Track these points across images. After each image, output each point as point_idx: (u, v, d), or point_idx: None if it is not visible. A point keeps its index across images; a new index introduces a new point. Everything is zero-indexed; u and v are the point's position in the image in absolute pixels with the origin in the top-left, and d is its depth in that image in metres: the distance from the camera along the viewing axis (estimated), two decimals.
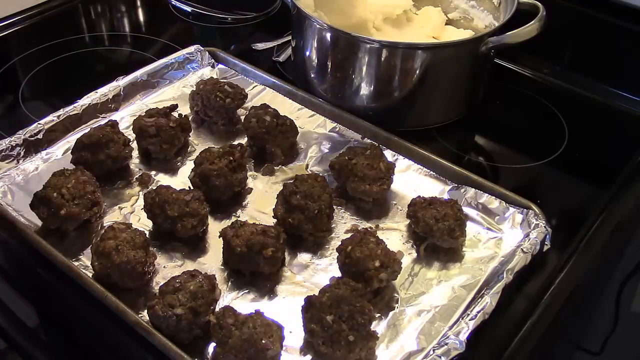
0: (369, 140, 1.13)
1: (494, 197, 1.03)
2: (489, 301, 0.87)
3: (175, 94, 1.25)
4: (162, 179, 1.08)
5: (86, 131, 1.07)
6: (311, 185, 0.98)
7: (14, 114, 1.23)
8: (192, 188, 1.01)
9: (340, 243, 0.93)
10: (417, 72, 1.14)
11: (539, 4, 1.16)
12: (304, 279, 0.94)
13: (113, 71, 1.24)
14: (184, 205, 0.95)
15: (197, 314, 0.82)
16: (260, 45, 1.43)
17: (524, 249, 0.94)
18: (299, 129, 1.14)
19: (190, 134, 1.15)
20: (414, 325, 0.87)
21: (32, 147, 1.09)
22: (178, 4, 1.55)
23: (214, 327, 0.81)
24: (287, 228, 0.96)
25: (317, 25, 1.18)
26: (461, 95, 1.25)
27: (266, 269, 0.91)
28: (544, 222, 0.98)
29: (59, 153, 1.10)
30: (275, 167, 1.11)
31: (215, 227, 0.99)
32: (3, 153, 1.06)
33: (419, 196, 1.01)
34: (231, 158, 1.02)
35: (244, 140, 1.14)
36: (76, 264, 0.91)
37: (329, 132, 1.17)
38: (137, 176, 1.07)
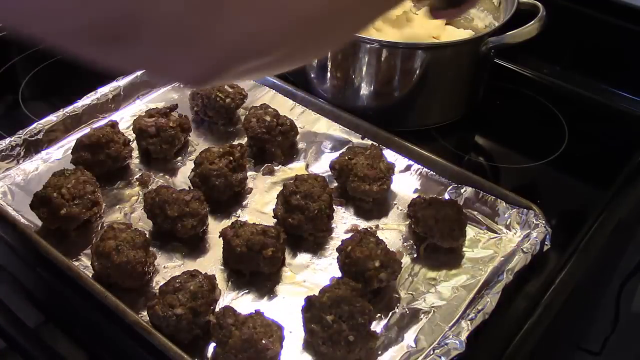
0: (369, 140, 1.14)
1: (493, 197, 1.03)
2: (489, 301, 0.86)
3: (175, 94, 1.24)
4: (162, 179, 1.08)
5: (86, 131, 1.07)
6: (311, 185, 0.98)
7: (14, 114, 1.22)
8: (192, 188, 1.01)
9: (340, 243, 0.93)
10: (417, 72, 1.14)
11: (539, 4, 1.16)
12: (304, 279, 0.93)
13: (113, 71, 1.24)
14: (184, 205, 0.95)
15: (197, 314, 0.82)
16: None
17: (524, 249, 0.94)
18: (299, 129, 1.14)
19: (190, 134, 1.15)
20: (414, 325, 0.87)
21: (32, 147, 1.09)
22: None
23: (214, 327, 0.81)
24: (287, 228, 0.96)
25: None
26: (461, 95, 1.24)
27: (266, 269, 0.91)
28: (544, 222, 0.97)
29: (59, 153, 1.10)
30: (275, 167, 1.11)
31: (215, 227, 0.99)
32: (3, 153, 1.06)
33: (419, 196, 1.01)
34: (231, 158, 1.02)
35: (244, 140, 1.14)
36: (76, 264, 0.91)
37: (329, 132, 1.17)
38: (137, 176, 1.07)
